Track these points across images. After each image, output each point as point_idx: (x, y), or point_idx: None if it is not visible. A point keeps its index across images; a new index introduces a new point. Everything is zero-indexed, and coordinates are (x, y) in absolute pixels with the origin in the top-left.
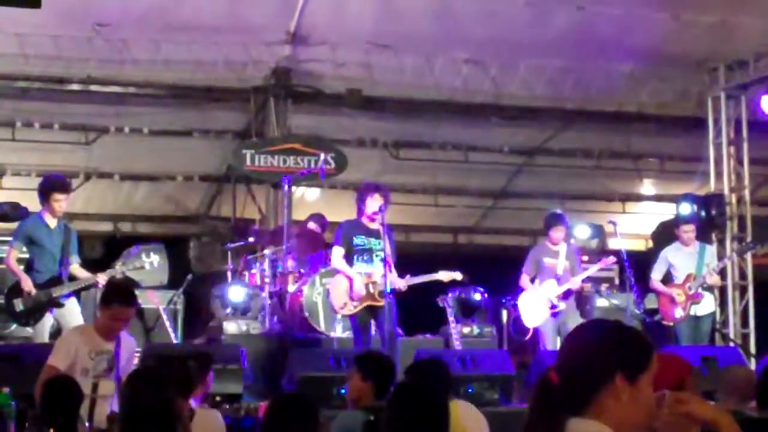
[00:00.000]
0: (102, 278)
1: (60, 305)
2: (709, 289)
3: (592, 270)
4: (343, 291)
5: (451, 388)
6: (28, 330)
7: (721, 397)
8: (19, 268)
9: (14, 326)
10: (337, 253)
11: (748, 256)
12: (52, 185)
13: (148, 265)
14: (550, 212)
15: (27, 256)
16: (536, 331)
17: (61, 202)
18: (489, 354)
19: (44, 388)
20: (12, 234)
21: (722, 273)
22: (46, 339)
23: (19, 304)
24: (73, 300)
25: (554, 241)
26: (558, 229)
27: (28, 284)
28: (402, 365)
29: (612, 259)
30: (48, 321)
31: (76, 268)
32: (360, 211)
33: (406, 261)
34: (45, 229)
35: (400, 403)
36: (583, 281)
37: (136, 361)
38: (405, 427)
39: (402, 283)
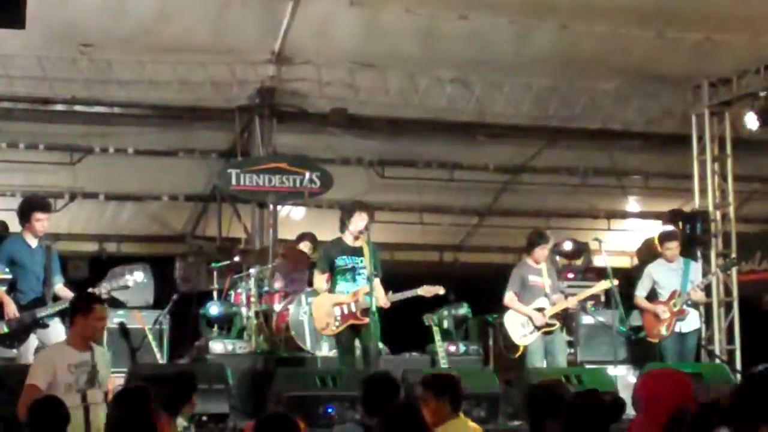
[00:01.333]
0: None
1: (45, 326)
2: (695, 305)
3: (589, 292)
4: (324, 312)
5: (460, 404)
6: (13, 351)
7: None
8: (1, 290)
9: None
10: (318, 278)
11: (734, 273)
12: (32, 205)
13: (133, 284)
14: (534, 230)
15: (9, 277)
16: (525, 348)
17: (43, 222)
18: (475, 372)
19: (30, 410)
20: None
21: (708, 289)
22: (30, 360)
23: (3, 327)
24: (56, 321)
25: (537, 260)
26: (543, 248)
27: (11, 308)
28: None
29: (608, 284)
30: (33, 342)
31: (60, 288)
32: (344, 229)
33: (391, 279)
34: (27, 249)
35: (394, 423)
36: (566, 297)
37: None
38: None
39: (384, 301)
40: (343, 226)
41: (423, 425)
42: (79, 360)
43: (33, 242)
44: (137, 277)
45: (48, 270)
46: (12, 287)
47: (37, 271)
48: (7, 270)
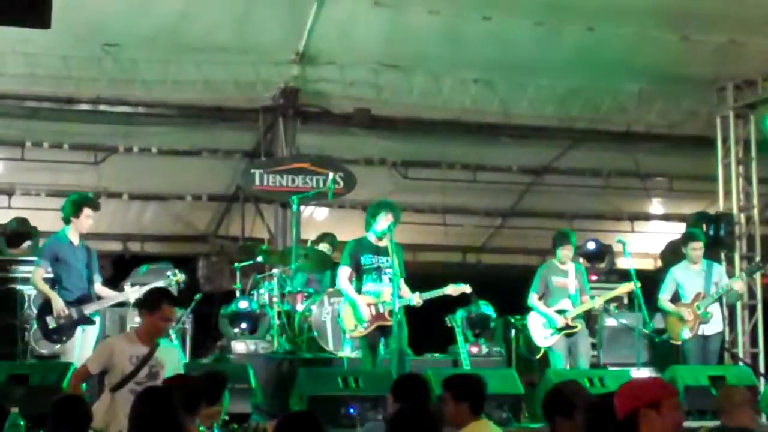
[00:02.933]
0: (133, 294)
1: (92, 322)
2: (720, 307)
3: (613, 294)
4: (352, 314)
5: (481, 407)
6: (55, 348)
7: (722, 416)
8: (47, 287)
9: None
10: (343, 274)
11: (757, 276)
12: (86, 201)
13: (167, 282)
14: (558, 231)
15: (50, 276)
16: (547, 350)
17: (91, 219)
18: (498, 373)
19: (53, 407)
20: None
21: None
22: (75, 356)
23: (51, 322)
24: (97, 318)
25: (562, 260)
26: (566, 248)
27: (58, 304)
28: None
29: (631, 286)
30: (78, 338)
31: (99, 287)
32: (369, 229)
33: (414, 280)
34: (70, 247)
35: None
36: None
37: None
38: None
39: (418, 298)
40: (369, 226)
41: (434, 426)
42: (140, 353)
43: (76, 240)
44: (174, 275)
45: (90, 268)
46: (56, 284)
47: (80, 269)
48: (49, 269)
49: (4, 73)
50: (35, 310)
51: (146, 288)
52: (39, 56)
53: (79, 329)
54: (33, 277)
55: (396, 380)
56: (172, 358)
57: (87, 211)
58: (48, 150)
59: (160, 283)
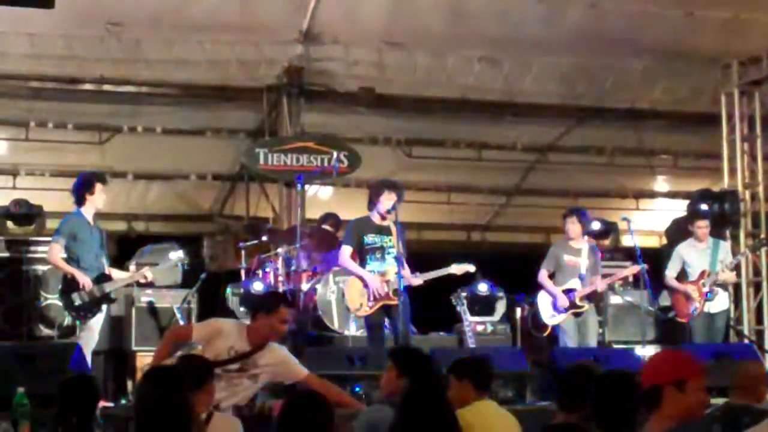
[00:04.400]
0: (149, 274)
1: (112, 301)
2: (724, 285)
3: (620, 275)
4: (357, 293)
5: (485, 387)
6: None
7: (732, 392)
8: (66, 264)
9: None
10: (346, 252)
11: (763, 253)
12: (97, 177)
13: (177, 261)
14: (567, 207)
15: (64, 255)
16: (554, 328)
17: (104, 194)
18: (503, 352)
19: (61, 388)
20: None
21: (737, 270)
22: (97, 335)
23: (77, 299)
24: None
25: (571, 235)
26: (571, 221)
27: (83, 278)
28: None
29: (638, 268)
30: (101, 317)
31: (107, 268)
32: (372, 208)
33: (418, 259)
34: (87, 226)
35: (412, 407)
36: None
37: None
38: (416, 427)
39: (417, 280)
40: (372, 205)
41: (442, 405)
42: (242, 348)
43: (91, 219)
44: (179, 254)
45: (103, 247)
46: (69, 263)
47: (95, 248)
48: (64, 246)
49: (8, 54)
50: (42, 291)
51: (155, 269)
52: (43, 36)
53: (104, 306)
54: (50, 254)
55: (400, 352)
56: (270, 359)
57: (99, 186)
58: (52, 130)
59: (168, 263)
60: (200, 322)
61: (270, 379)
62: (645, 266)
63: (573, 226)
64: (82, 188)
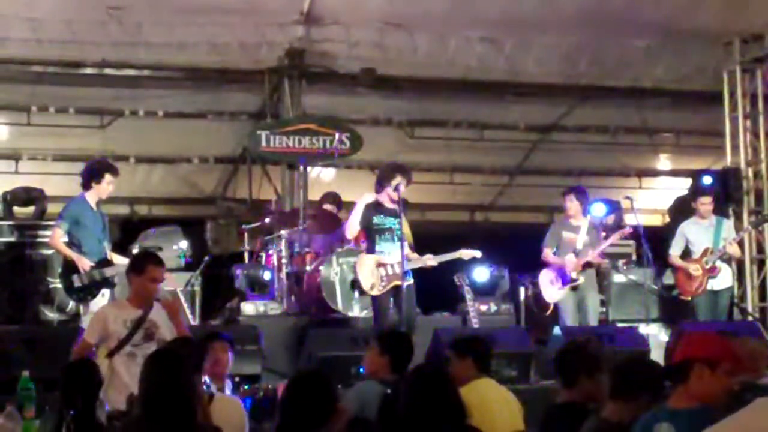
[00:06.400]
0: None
1: (113, 285)
2: (728, 262)
3: (610, 241)
4: (369, 272)
5: (487, 365)
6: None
7: None
8: (67, 248)
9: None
10: (353, 232)
11: (766, 230)
12: (106, 167)
13: (179, 252)
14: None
15: (65, 239)
16: (556, 306)
17: (112, 185)
18: (507, 331)
19: (64, 371)
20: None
21: (740, 246)
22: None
23: (76, 281)
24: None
25: (570, 213)
26: (569, 198)
27: (83, 262)
28: (420, 344)
29: (629, 229)
30: (99, 300)
31: (109, 253)
32: (380, 190)
33: (422, 239)
34: (91, 211)
35: (419, 384)
36: (601, 257)
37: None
38: (423, 407)
39: (431, 261)
40: (380, 187)
41: (448, 384)
42: (135, 316)
43: (94, 205)
44: (181, 245)
45: (105, 233)
46: (71, 248)
47: (98, 234)
48: (67, 231)
49: (9, 38)
50: (45, 275)
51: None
52: (44, 21)
53: (104, 290)
54: (53, 238)
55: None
56: (167, 319)
57: (108, 177)
58: (54, 115)
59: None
60: (87, 328)
61: None
62: (629, 227)
63: (572, 204)
64: (90, 175)
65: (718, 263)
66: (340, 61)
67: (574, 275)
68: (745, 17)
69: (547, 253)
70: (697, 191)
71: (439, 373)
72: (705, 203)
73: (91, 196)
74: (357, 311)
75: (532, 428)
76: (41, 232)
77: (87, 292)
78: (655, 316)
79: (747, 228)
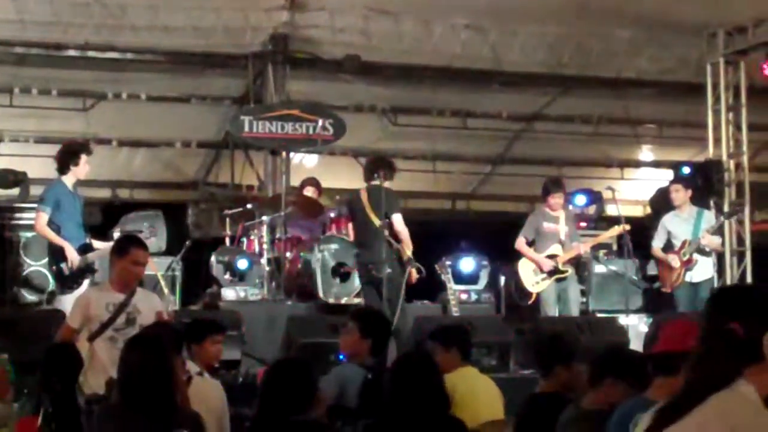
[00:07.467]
0: None
1: (94, 271)
2: (707, 252)
3: (603, 237)
4: None
5: (469, 353)
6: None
7: None
8: (54, 234)
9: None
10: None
11: (746, 222)
12: (80, 147)
13: (149, 233)
14: (548, 178)
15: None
16: (538, 296)
17: (88, 165)
18: (487, 320)
19: (45, 354)
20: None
21: (721, 238)
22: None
23: (66, 269)
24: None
25: (553, 207)
26: (556, 195)
27: (72, 254)
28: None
29: (625, 227)
30: (84, 287)
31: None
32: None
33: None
34: (69, 194)
35: (405, 372)
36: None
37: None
38: (409, 395)
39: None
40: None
41: (434, 374)
42: (117, 300)
43: (71, 187)
44: (154, 230)
45: (83, 216)
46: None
47: (77, 218)
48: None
49: None
50: (25, 257)
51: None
52: (27, 2)
53: (88, 276)
54: (38, 223)
55: (363, 314)
56: (150, 304)
57: (84, 157)
58: (36, 96)
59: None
60: (70, 312)
61: None
62: (627, 227)
63: (557, 200)
64: (67, 158)
65: (695, 255)
66: (324, 47)
67: (561, 267)
68: (729, 9)
69: (521, 243)
70: (670, 181)
71: (427, 362)
72: (676, 190)
73: (69, 179)
74: (337, 297)
75: (510, 417)
76: (20, 215)
77: (73, 281)
78: (635, 307)
79: (720, 219)
